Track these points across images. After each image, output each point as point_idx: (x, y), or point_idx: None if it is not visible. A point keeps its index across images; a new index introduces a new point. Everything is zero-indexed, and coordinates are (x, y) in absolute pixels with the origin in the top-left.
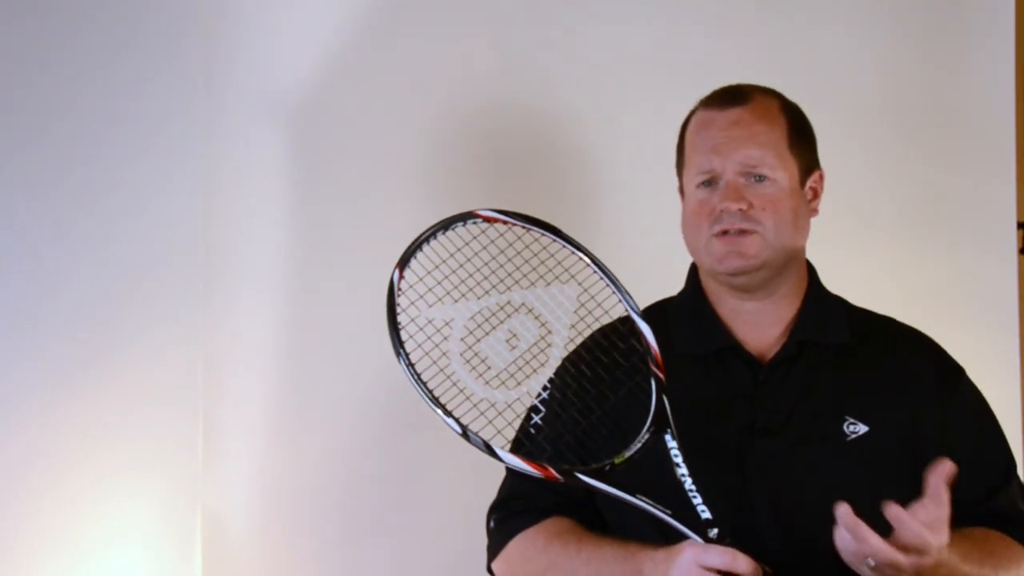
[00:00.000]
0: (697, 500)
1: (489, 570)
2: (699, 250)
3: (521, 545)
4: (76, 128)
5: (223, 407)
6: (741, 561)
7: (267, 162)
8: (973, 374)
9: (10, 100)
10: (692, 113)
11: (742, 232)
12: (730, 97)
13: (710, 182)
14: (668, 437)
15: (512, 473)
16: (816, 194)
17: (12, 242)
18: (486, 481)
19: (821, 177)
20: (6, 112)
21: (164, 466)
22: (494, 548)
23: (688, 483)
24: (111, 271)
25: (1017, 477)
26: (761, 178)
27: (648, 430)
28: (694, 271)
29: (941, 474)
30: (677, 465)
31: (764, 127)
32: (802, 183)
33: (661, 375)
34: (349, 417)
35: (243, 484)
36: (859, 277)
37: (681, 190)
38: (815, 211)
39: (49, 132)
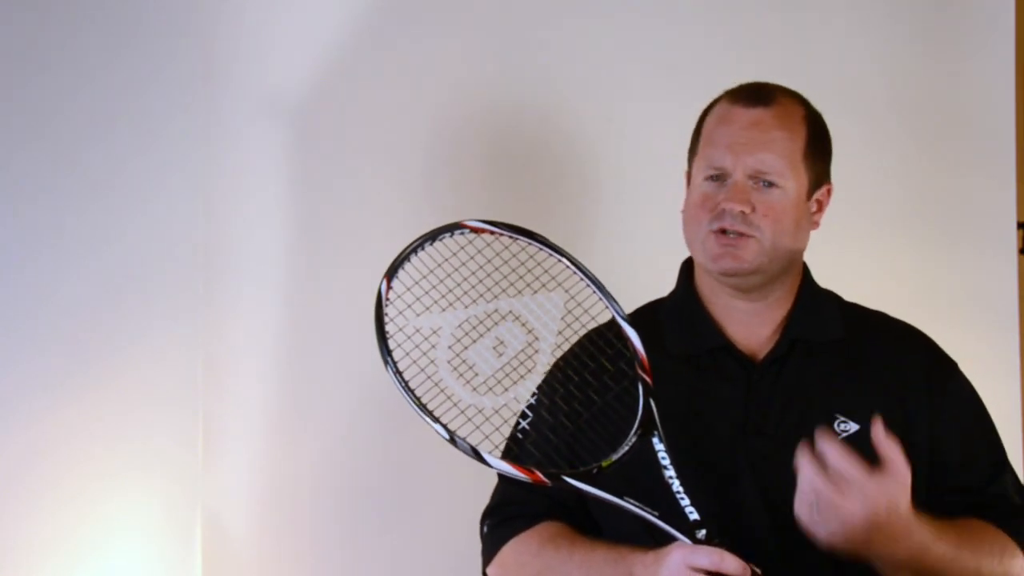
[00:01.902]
0: (685, 502)
1: (484, 574)
2: (695, 243)
3: (515, 550)
4: (76, 128)
5: (223, 407)
6: (729, 561)
7: (267, 162)
8: (973, 374)
9: (10, 100)
10: (715, 103)
11: (740, 235)
12: (756, 95)
13: (718, 177)
14: (655, 440)
15: (504, 478)
16: (820, 207)
17: (12, 242)
18: (485, 480)
19: (829, 192)
20: (6, 112)
21: (164, 466)
22: (488, 553)
23: (676, 485)
24: (111, 271)
25: (1010, 470)
26: (769, 184)
27: (635, 433)
28: (686, 270)
29: (880, 436)
30: (665, 467)
31: (783, 133)
32: (809, 195)
33: (648, 379)
34: (349, 417)
35: (243, 484)
36: (859, 277)
37: (688, 177)
38: (816, 224)
39: (49, 132)
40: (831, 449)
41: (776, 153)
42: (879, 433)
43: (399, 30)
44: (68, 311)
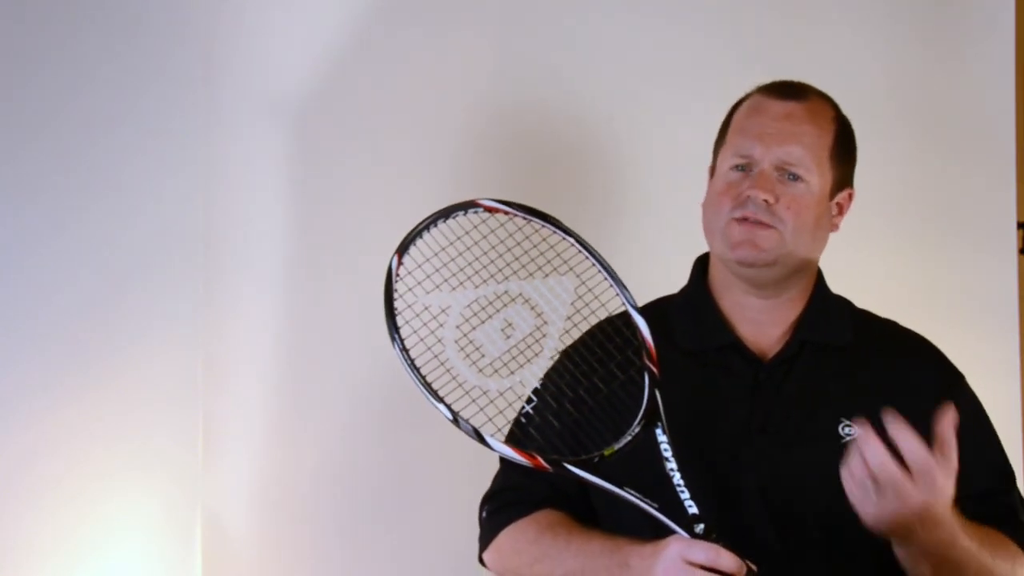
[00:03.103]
0: (685, 495)
1: (480, 560)
2: (715, 232)
3: (512, 536)
4: (76, 128)
5: (223, 407)
6: (725, 557)
7: (267, 161)
8: (973, 374)
9: (10, 100)
10: (746, 96)
11: (761, 225)
12: (789, 90)
13: (744, 167)
14: (659, 431)
15: (505, 465)
16: (841, 211)
17: (12, 242)
18: (486, 479)
19: (850, 196)
20: (6, 112)
21: (164, 466)
22: (485, 538)
23: (677, 478)
24: (111, 271)
25: (1017, 492)
26: (795, 177)
27: (639, 423)
28: (698, 266)
29: (947, 424)
30: (666, 460)
31: (813, 128)
32: (832, 195)
33: (655, 369)
34: (349, 417)
35: (243, 484)
36: (859, 277)
37: (712, 170)
38: (836, 227)
39: (49, 132)
40: (907, 437)
41: (804, 146)
42: (945, 424)
43: (399, 29)
44: (68, 311)
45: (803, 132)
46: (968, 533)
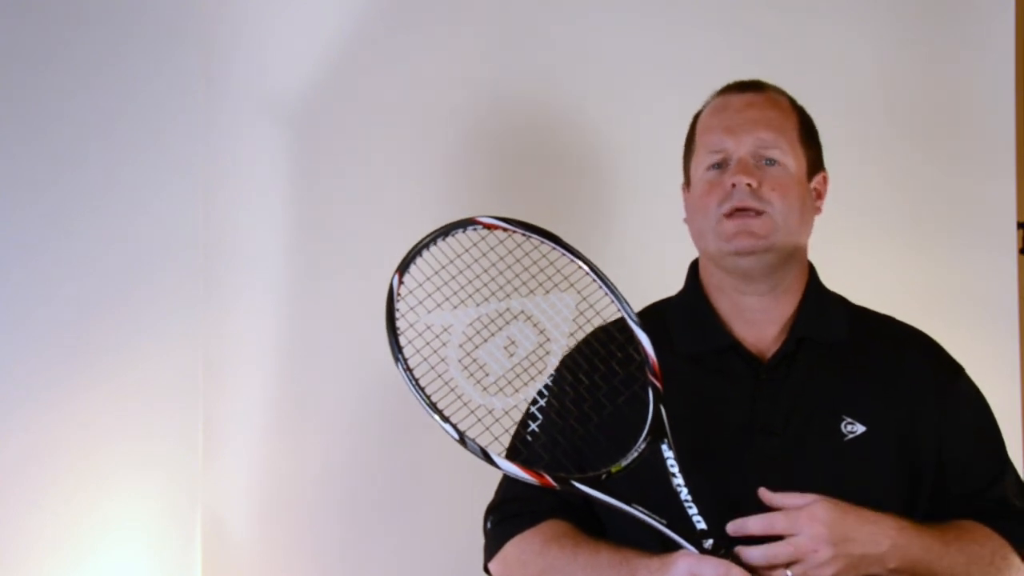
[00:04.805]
0: (693, 511)
1: (486, 570)
2: (706, 233)
3: (518, 547)
4: (76, 128)
5: (223, 407)
6: (735, 573)
7: (267, 162)
8: (973, 373)
9: (10, 100)
10: (706, 104)
11: (752, 212)
12: (745, 84)
13: (720, 164)
14: (665, 447)
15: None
16: (820, 195)
17: (12, 242)
18: (486, 480)
19: (825, 179)
20: (6, 112)
21: (164, 465)
22: (491, 549)
23: (684, 493)
24: (111, 271)
25: (1012, 472)
26: (771, 161)
27: (645, 439)
28: (693, 270)
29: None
30: (673, 475)
31: (778, 113)
32: (809, 178)
33: (659, 384)
34: (349, 417)
35: (243, 484)
36: (859, 276)
37: (687, 183)
38: (819, 210)
39: (49, 132)
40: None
41: (774, 129)
42: (765, 494)
43: (399, 29)
44: (68, 311)
45: (769, 117)
46: (929, 531)
